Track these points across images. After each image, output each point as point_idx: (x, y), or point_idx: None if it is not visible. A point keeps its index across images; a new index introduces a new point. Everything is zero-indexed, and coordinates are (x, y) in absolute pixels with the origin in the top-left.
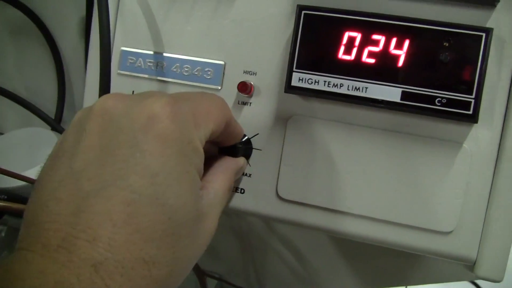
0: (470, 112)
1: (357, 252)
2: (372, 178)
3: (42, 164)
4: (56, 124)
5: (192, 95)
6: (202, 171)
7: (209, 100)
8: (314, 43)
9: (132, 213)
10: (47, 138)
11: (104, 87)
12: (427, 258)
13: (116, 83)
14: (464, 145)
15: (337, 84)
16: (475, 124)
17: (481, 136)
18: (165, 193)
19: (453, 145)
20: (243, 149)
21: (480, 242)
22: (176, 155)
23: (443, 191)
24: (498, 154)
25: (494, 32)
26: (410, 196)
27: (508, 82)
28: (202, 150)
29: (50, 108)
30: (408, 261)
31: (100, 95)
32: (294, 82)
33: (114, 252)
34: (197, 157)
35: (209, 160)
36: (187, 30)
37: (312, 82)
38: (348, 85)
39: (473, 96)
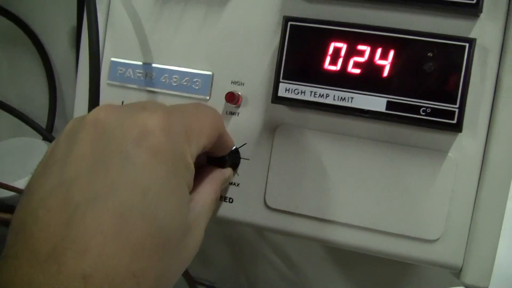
0: (454, 122)
1: (349, 259)
2: (359, 187)
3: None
4: (47, 133)
5: (186, 109)
6: (192, 185)
7: (203, 113)
8: (300, 53)
9: (122, 226)
10: (38, 148)
11: (94, 98)
12: (420, 265)
13: (106, 93)
14: (449, 154)
15: (323, 94)
16: (460, 133)
17: (465, 145)
18: (156, 208)
19: (439, 154)
20: (231, 159)
21: (466, 250)
22: (168, 170)
23: (429, 199)
24: (482, 162)
25: (478, 42)
26: (397, 205)
27: (492, 91)
28: (193, 166)
29: (41, 117)
30: (401, 268)
31: (89, 105)
32: (281, 93)
33: (104, 265)
34: (188, 172)
35: (197, 170)
36: (175, 41)
37: (298, 93)
38: (334, 95)
39: (457, 106)
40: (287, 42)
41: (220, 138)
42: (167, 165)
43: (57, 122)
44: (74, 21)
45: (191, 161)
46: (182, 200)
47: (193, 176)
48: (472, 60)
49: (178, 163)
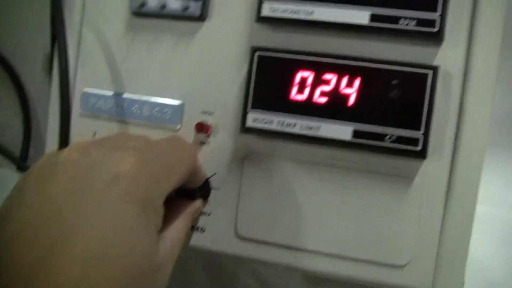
0: (419, 149)
1: (328, 282)
2: (328, 214)
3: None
4: (21, 162)
5: (160, 147)
6: (161, 225)
7: (177, 151)
8: (267, 83)
9: (91, 270)
10: (11, 181)
11: (64, 130)
12: None
13: (78, 124)
14: (415, 179)
15: (290, 124)
16: (425, 160)
17: (431, 171)
18: (124, 251)
19: (405, 180)
20: (202, 190)
21: (434, 274)
22: (137, 213)
23: (397, 225)
24: (448, 188)
25: (441, 68)
26: (366, 231)
27: (456, 117)
28: (162, 208)
29: (15, 146)
30: None
31: (60, 138)
32: (249, 123)
33: None
34: (157, 214)
35: (168, 204)
36: (146, 71)
37: (266, 122)
38: (301, 125)
39: (421, 133)
40: (255, 72)
41: (193, 174)
42: (137, 208)
43: (32, 151)
44: (48, 48)
45: (160, 204)
46: (150, 242)
47: (162, 217)
48: (435, 87)
49: (147, 206)
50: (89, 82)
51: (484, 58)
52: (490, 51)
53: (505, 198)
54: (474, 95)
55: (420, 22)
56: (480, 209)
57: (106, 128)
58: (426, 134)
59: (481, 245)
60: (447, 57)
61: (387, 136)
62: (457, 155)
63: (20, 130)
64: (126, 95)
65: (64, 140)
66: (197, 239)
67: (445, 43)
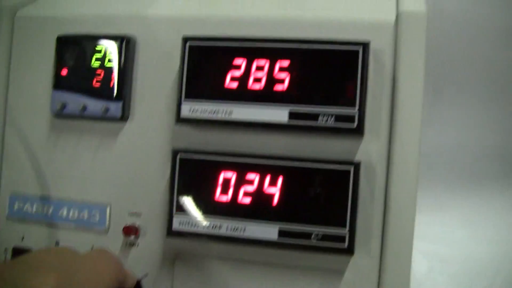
0: (346, 246)
1: None
2: None
3: None
4: None
5: (82, 263)
6: None
7: (100, 264)
8: (191, 186)
9: None
10: None
11: None
12: None
13: (6, 229)
14: (345, 273)
15: (216, 226)
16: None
17: (360, 264)
18: None
19: (335, 275)
20: None
21: None
22: None
23: None
24: (378, 280)
25: (364, 162)
26: None
27: (382, 209)
28: None
29: None
30: None
31: None
32: (175, 226)
33: None
34: None
35: None
36: (72, 172)
37: (192, 225)
38: (227, 226)
39: (347, 229)
40: (178, 175)
41: (122, 282)
42: None
43: None
44: None
45: None
46: None
47: None
48: (358, 183)
49: None
50: (15, 186)
51: (405, 149)
52: (410, 141)
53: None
54: (397, 186)
55: (339, 118)
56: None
57: (34, 232)
58: (351, 231)
59: None
60: (368, 151)
61: (313, 235)
62: (385, 249)
63: None
64: (53, 198)
65: None
66: None
67: (366, 137)
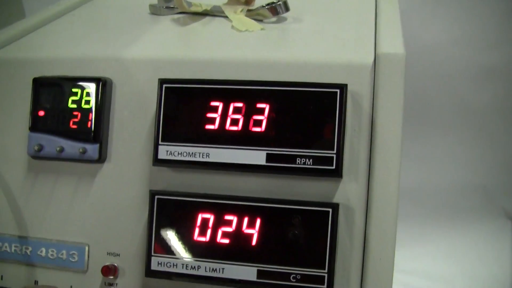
0: (325, 287)
1: None
2: None
3: None
4: None
5: None
6: None
7: None
8: (170, 226)
9: None
10: None
11: None
12: None
13: None
14: None
15: (194, 266)
16: None
17: None
18: None
19: None
20: None
21: None
22: None
23: None
24: None
25: (343, 203)
26: None
27: (361, 250)
28: None
29: None
30: None
31: None
32: (154, 267)
33: None
34: None
35: None
36: (49, 213)
37: (170, 266)
38: (206, 267)
39: (325, 271)
40: (155, 217)
41: None
42: None
43: None
44: None
45: None
46: None
47: None
48: (336, 224)
49: None
50: None
51: (384, 190)
52: (389, 182)
53: None
54: (376, 227)
55: (317, 160)
56: None
57: (12, 272)
58: (330, 272)
59: None
60: (347, 192)
61: (292, 276)
62: None
63: None
64: (31, 238)
65: None
66: None
67: (344, 179)
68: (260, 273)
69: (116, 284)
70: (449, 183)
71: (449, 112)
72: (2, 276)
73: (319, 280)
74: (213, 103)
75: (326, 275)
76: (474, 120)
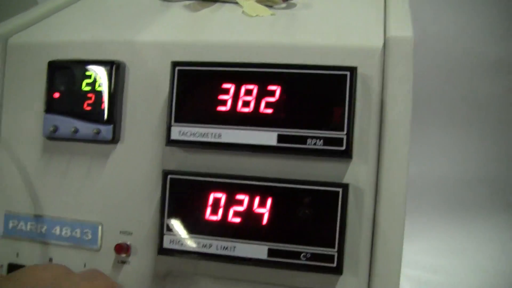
0: (334, 265)
1: None
2: None
3: None
4: None
5: (75, 282)
6: None
7: (94, 283)
8: (182, 206)
9: None
10: None
11: None
12: None
13: (1, 246)
14: None
15: (206, 245)
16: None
17: (349, 284)
18: None
19: None
20: None
21: None
22: None
23: None
24: None
25: (353, 184)
26: None
27: (370, 230)
28: None
29: None
30: None
31: None
32: (166, 245)
33: None
34: None
35: None
36: (64, 192)
37: (182, 244)
38: (217, 245)
39: (335, 250)
40: (168, 196)
41: None
42: None
43: None
44: None
45: None
46: None
47: None
48: (346, 204)
49: None
50: (9, 205)
51: (393, 172)
52: (399, 164)
53: None
54: (386, 208)
55: (327, 141)
56: None
57: (29, 249)
58: (340, 250)
59: None
60: (357, 173)
61: (302, 254)
62: (373, 271)
63: None
64: (46, 217)
65: None
66: None
67: (354, 160)
68: (271, 252)
69: (129, 262)
70: (455, 176)
71: (458, 104)
72: (18, 253)
73: (329, 258)
74: (225, 85)
75: (336, 254)
76: (483, 112)
